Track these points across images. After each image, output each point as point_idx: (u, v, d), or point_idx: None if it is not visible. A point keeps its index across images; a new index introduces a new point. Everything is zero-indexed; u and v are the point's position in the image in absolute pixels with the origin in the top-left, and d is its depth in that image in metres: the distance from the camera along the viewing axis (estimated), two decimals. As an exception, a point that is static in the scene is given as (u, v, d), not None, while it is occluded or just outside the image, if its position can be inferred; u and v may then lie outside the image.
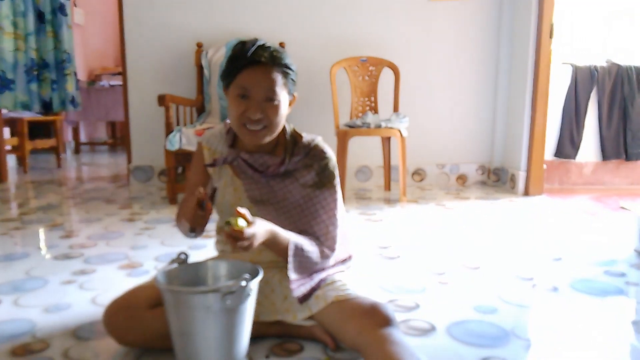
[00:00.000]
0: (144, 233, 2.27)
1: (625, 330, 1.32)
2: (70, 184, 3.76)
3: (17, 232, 2.30)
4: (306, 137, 1.28)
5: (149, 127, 3.48)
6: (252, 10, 3.43)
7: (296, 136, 1.27)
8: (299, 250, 1.18)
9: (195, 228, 1.13)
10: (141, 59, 3.48)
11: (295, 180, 1.24)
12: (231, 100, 1.16)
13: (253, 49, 1.13)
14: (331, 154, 1.29)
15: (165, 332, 1.06)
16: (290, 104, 1.22)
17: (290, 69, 1.17)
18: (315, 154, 1.26)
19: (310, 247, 1.21)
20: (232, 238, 1.01)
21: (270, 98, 1.14)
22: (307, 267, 1.20)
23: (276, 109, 1.15)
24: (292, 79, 1.19)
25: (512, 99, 3.40)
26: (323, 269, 1.25)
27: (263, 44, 1.15)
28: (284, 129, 1.26)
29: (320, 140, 1.29)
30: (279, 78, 1.14)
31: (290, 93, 1.20)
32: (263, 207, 1.23)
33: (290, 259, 1.16)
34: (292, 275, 1.17)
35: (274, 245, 1.16)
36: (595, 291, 1.57)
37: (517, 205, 2.93)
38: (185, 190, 1.35)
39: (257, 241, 1.05)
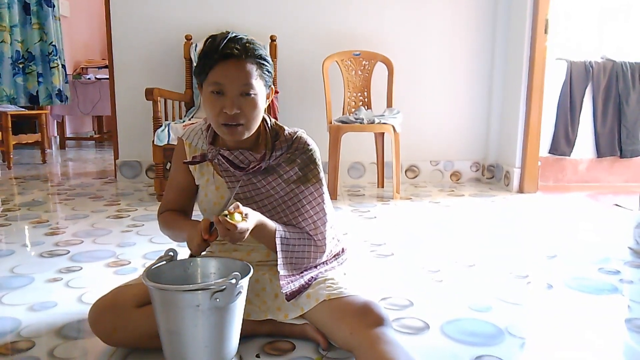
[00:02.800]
0: (131, 230, 2.23)
1: (619, 328, 1.32)
2: (55, 179, 3.70)
3: (1, 229, 2.26)
4: (288, 130, 1.25)
5: (137, 121, 3.43)
6: (242, 1, 3.39)
7: (278, 130, 1.24)
8: (286, 246, 1.16)
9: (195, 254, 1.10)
10: (128, 51, 3.43)
11: (278, 176, 1.22)
12: (206, 98, 1.12)
13: (224, 42, 1.08)
14: (314, 146, 1.26)
15: (153, 331, 1.03)
16: (267, 97, 1.18)
17: (265, 60, 1.13)
18: (297, 147, 1.23)
19: (299, 241, 1.19)
20: (223, 228, 1.00)
21: (246, 92, 1.10)
22: (297, 262, 1.18)
23: (253, 102, 1.11)
24: (268, 71, 1.15)
25: (506, 94, 3.39)
26: (315, 266, 1.22)
27: (235, 36, 1.10)
28: (265, 123, 1.23)
29: (302, 133, 1.26)
30: (253, 70, 1.10)
31: (267, 85, 1.16)
32: (247, 204, 1.21)
33: (279, 254, 1.14)
34: (282, 270, 1.15)
35: (261, 236, 1.14)
36: (590, 289, 1.57)
37: (512, 203, 2.92)
38: (167, 188, 1.32)
39: (245, 235, 1.05)
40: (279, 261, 1.14)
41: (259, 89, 1.12)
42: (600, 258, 1.88)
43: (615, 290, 1.57)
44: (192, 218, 1.28)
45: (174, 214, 1.26)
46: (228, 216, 1.01)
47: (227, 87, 1.09)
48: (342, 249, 1.34)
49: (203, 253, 1.30)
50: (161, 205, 1.31)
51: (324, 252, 1.23)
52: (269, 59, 1.15)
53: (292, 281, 1.16)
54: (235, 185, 1.22)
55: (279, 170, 1.22)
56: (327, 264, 1.26)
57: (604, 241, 2.14)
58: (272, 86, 1.19)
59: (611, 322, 1.36)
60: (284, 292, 1.13)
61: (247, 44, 1.10)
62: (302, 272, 1.19)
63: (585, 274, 1.70)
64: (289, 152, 1.22)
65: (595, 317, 1.38)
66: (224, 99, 1.10)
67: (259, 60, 1.11)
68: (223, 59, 1.08)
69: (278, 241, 1.15)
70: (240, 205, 1.05)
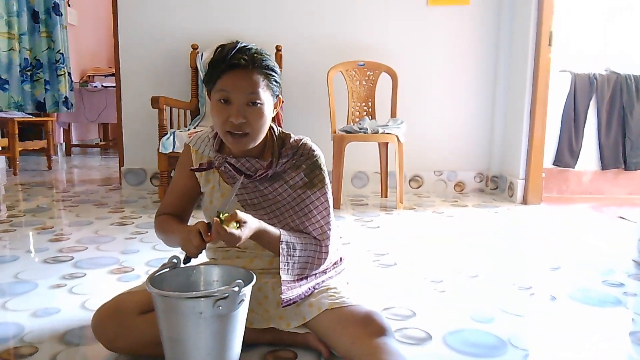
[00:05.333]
0: (135, 237, 2.24)
1: (623, 340, 1.31)
2: (60, 186, 3.72)
3: (6, 235, 2.26)
4: (294, 137, 1.26)
5: (142, 129, 3.45)
6: (248, 12, 3.42)
7: (284, 137, 1.26)
8: (291, 250, 1.17)
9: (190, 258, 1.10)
10: (135, 60, 3.46)
11: (284, 182, 1.23)
12: (213, 106, 1.14)
13: (232, 52, 1.10)
14: (319, 152, 1.27)
15: (156, 338, 1.03)
16: (275, 107, 1.19)
17: (272, 70, 1.14)
18: (303, 152, 1.24)
19: (305, 246, 1.20)
20: (216, 230, 1.01)
21: (253, 102, 1.11)
22: (301, 267, 1.19)
23: (259, 112, 1.12)
24: (276, 81, 1.16)
25: (510, 105, 3.39)
26: (314, 275, 1.22)
27: (243, 47, 1.12)
28: (272, 131, 1.24)
29: (308, 140, 1.27)
30: (260, 80, 1.11)
31: (274, 95, 1.17)
32: (254, 211, 1.22)
33: (281, 258, 1.15)
34: (284, 275, 1.15)
35: (264, 242, 1.14)
36: (593, 301, 1.56)
37: (516, 214, 2.91)
38: (168, 191, 1.33)
39: (240, 241, 1.04)
40: (281, 265, 1.14)
41: (266, 98, 1.13)
42: (604, 270, 1.87)
43: (619, 302, 1.56)
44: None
45: (170, 218, 1.26)
46: (224, 222, 1.02)
47: (234, 95, 1.10)
48: (340, 257, 1.34)
49: (206, 260, 1.31)
50: (159, 208, 1.32)
51: (329, 257, 1.23)
52: (277, 69, 1.16)
53: (292, 288, 1.16)
54: (242, 191, 1.22)
55: (285, 176, 1.23)
56: (325, 272, 1.26)
57: (608, 253, 2.13)
58: (280, 96, 1.20)
59: (615, 334, 1.35)
60: (283, 297, 1.13)
61: (255, 55, 1.11)
62: (301, 280, 1.19)
63: (588, 286, 1.69)
64: (294, 159, 1.24)
65: (598, 329, 1.37)
66: (230, 108, 1.11)
67: (266, 71, 1.12)
68: (230, 68, 1.09)
69: (283, 245, 1.15)
70: (239, 212, 1.06)
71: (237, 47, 1.11)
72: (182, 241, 1.08)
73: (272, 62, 1.14)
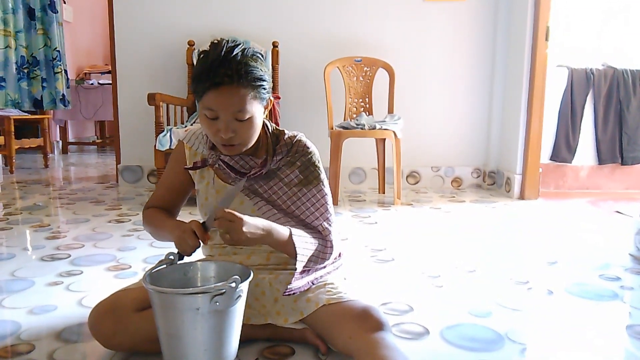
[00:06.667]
0: (132, 234, 2.24)
1: (620, 334, 1.32)
2: (57, 184, 3.71)
3: (2, 233, 2.26)
4: (288, 133, 1.25)
5: (139, 126, 3.44)
6: (244, 7, 3.41)
7: (279, 134, 1.25)
8: (305, 243, 1.16)
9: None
10: (131, 56, 3.44)
11: (279, 180, 1.22)
12: (202, 118, 1.11)
13: (215, 67, 1.03)
14: (314, 148, 1.26)
15: (153, 335, 1.03)
16: (266, 108, 1.16)
17: (260, 79, 1.08)
18: (297, 149, 1.23)
19: (313, 239, 1.19)
20: (222, 222, 1.01)
21: (240, 118, 1.08)
22: (311, 259, 1.18)
23: (248, 125, 1.10)
24: (264, 88, 1.10)
25: (507, 101, 3.39)
26: (315, 268, 1.22)
27: (227, 56, 1.04)
28: (265, 128, 1.23)
29: (302, 136, 1.26)
30: (247, 95, 1.06)
31: (263, 99, 1.12)
32: (253, 206, 1.21)
33: (299, 251, 1.14)
34: (300, 267, 1.14)
35: (272, 239, 1.13)
36: (590, 295, 1.57)
37: (513, 209, 2.92)
38: (158, 185, 1.32)
39: (250, 229, 1.04)
40: (299, 258, 1.13)
41: (255, 109, 1.10)
42: (601, 264, 1.88)
43: (616, 296, 1.56)
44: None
45: (159, 211, 1.25)
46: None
47: (221, 113, 1.07)
48: (339, 253, 1.33)
49: (203, 257, 1.31)
50: (149, 201, 1.31)
51: (333, 251, 1.23)
52: (266, 75, 1.10)
53: (297, 279, 1.15)
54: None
55: (280, 174, 1.22)
56: (324, 267, 1.26)
57: (605, 248, 2.14)
58: (271, 97, 1.17)
59: (612, 328, 1.35)
60: (289, 286, 1.12)
61: (239, 67, 1.04)
62: (302, 273, 1.19)
63: (585, 280, 1.70)
64: (289, 156, 1.23)
65: (595, 323, 1.38)
66: (219, 123, 1.08)
67: (253, 83, 1.06)
68: (215, 86, 1.04)
69: (296, 238, 1.14)
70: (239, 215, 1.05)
71: (222, 58, 1.04)
72: (176, 239, 1.07)
73: (259, 71, 1.08)
